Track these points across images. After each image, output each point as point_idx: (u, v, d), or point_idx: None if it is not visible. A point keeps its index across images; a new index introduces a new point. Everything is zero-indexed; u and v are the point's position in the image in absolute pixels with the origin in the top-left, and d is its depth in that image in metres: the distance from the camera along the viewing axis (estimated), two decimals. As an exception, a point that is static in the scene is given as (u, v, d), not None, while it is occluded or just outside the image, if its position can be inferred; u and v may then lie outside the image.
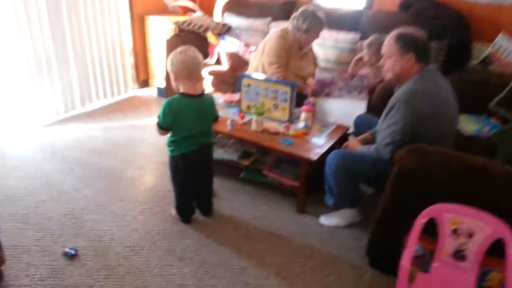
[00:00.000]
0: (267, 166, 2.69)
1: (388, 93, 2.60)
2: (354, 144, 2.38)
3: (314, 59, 3.45)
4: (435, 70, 2.08)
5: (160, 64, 4.24)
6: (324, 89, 3.20)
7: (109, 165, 3.00)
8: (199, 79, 2.16)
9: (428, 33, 3.54)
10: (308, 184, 2.49)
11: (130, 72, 4.39)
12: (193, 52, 2.08)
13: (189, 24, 3.99)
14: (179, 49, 2.07)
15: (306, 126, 2.60)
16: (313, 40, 3.20)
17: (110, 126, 3.66)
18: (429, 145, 1.82)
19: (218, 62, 3.84)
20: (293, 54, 3.17)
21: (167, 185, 2.65)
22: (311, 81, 3.38)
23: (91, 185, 2.72)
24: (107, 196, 2.62)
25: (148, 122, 3.71)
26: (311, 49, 3.36)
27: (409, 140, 1.98)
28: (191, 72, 2.05)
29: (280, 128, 2.65)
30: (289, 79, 3.12)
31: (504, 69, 3.18)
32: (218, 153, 2.75)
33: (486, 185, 1.64)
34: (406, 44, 2.03)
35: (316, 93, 3.19)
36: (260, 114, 2.56)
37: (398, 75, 2.11)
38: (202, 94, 2.15)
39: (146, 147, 3.31)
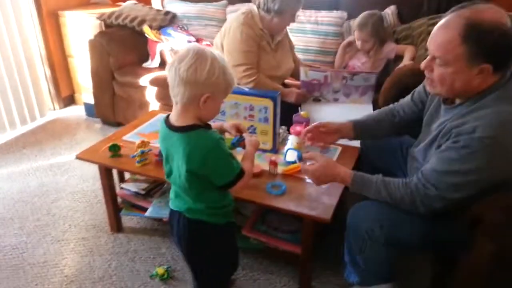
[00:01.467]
0: (248, 224, 1.78)
1: (402, 92, 1.75)
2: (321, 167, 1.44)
3: (292, 49, 2.55)
4: None
5: (87, 73, 3.17)
6: (312, 92, 2.30)
7: (8, 244, 1.99)
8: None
9: (437, 4, 2.79)
10: (314, 247, 1.61)
11: (47, 88, 3.31)
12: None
13: (118, 17, 2.97)
14: (199, 51, 1.15)
15: (300, 158, 1.69)
16: (288, 24, 2.30)
17: (17, 172, 2.60)
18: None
19: (162, 65, 2.86)
20: (264, 47, 2.25)
21: (105, 271, 1.69)
22: (292, 82, 2.47)
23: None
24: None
25: (73, 156, 2.68)
26: (286, 35, 2.45)
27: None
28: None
29: (263, 164, 1.74)
30: (266, 86, 2.20)
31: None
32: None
33: None
34: (482, 47, 1.13)
35: (301, 99, 2.29)
36: (232, 147, 1.60)
37: (457, 92, 1.26)
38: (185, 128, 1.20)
39: (70, 199, 2.31)
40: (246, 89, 1.79)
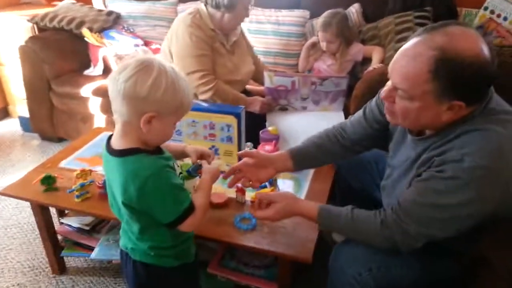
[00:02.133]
0: (215, 260, 1.54)
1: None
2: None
3: (251, 50, 2.32)
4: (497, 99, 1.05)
5: (21, 83, 2.78)
6: (279, 100, 2.09)
7: None
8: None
9: (403, 0, 2.66)
10: (292, 283, 1.41)
11: (-27, 101, 2.89)
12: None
13: (52, 19, 2.61)
14: (145, 61, 0.97)
15: (271, 181, 1.47)
16: (242, 20, 2.07)
17: None
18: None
19: (107, 72, 2.54)
20: (217, 49, 2.01)
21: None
22: (255, 88, 2.23)
23: None
24: None
25: (7, 181, 2.31)
26: (241, 34, 2.21)
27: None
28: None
29: (229, 191, 1.50)
30: (226, 94, 1.96)
31: (505, 40, 2.35)
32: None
33: None
34: (454, 84, 0.93)
35: (267, 108, 2.07)
36: (189, 177, 1.34)
37: (423, 126, 1.09)
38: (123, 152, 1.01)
39: (2, 235, 1.97)
40: (205, 105, 1.55)
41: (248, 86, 2.27)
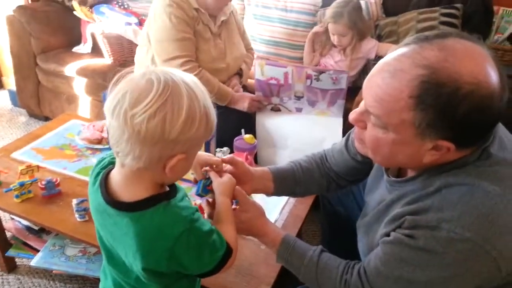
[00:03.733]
0: None
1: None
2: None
3: (243, 33, 2.04)
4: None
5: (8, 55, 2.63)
6: (270, 98, 1.84)
7: None
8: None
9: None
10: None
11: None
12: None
13: (45, -11, 2.42)
14: (169, 83, 0.67)
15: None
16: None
17: None
18: None
19: (95, 50, 2.34)
20: (201, 33, 1.76)
21: None
22: (234, 83, 1.95)
23: None
24: None
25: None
26: (232, 14, 1.94)
27: None
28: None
29: (193, 200, 1.28)
30: (211, 85, 1.73)
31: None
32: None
33: None
34: (443, 119, 0.66)
35: (256, 106, 1.84)
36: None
37: (398, 164, 0.85)
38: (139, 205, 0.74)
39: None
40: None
41: (250, 80, 2.03)
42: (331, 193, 1.16)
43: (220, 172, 0.92)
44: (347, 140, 1.06)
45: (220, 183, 0.89)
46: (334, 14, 1.95)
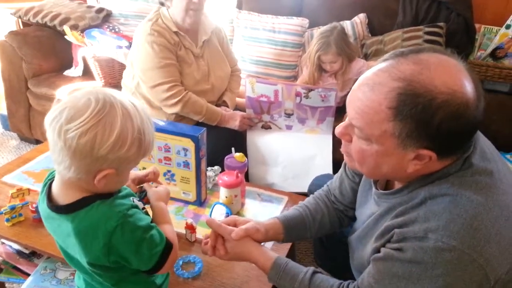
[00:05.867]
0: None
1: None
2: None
3: (228, 52, 2.03)
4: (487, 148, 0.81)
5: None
6: (261, 115, 1.87)
7: None
8: None
9: (415, 14, 2.39)
10: None
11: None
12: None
13: (37, 14, 2.46)
14: (106, 102, 0.75)
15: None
16: (188, 7, 1.69)
17: None
18: None
19: (87, 73, 2.37)
20: (183, 57, 1.78)
21: None
22: (229, 100, 1.98)
23: None
24: None
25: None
26: (216, 33, 1.93)
27: None
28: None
29: (180, 223, 1.29)
30: (200, 107, 1.76)
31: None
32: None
33: None
34: (422, 128, 0.70)
35: (247, 124, 1.86)
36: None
37: (385, 176, 0.87)
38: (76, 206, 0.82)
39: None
40: (162, 123, 1.34)
41: (238, 99, 2.05)
42: (344, 229, 1.17)
43: (157, 182, 1.03)
44: (345, 165, 1.08)
45: (153, 192, 0.99)
46: (322, 45, 1.97)
